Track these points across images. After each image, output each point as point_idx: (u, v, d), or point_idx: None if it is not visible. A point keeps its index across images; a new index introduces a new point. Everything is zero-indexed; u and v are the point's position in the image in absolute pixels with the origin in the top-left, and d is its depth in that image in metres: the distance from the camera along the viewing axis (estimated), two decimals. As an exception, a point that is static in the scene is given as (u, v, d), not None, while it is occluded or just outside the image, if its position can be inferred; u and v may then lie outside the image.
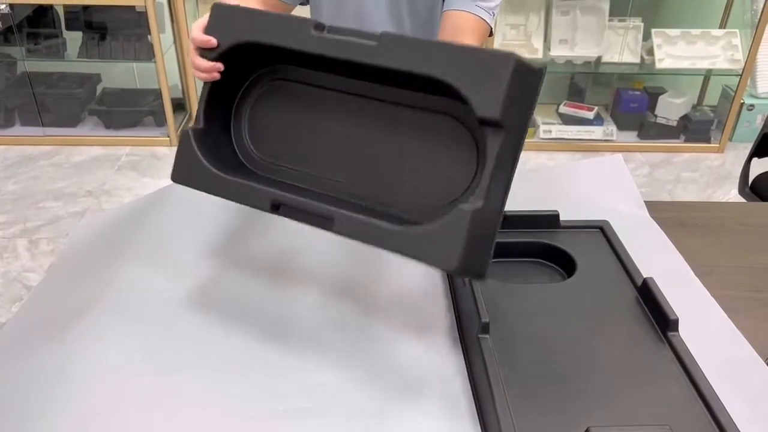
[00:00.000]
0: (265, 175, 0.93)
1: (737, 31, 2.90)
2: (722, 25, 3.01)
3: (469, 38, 1.15)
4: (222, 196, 0.88)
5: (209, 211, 1.13)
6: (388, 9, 1.20)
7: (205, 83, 0.91)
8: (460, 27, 1.15)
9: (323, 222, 0.79)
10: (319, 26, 0.81)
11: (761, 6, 2.74)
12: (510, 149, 0.77)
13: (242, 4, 1.11)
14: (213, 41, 0.86)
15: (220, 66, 0.87)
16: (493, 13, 1.16)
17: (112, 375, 0.81)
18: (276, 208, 0.82)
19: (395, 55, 0.78)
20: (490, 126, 0.74)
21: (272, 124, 0.95)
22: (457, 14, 1.14)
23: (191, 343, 0.86)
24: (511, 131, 0.75)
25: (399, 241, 0.74)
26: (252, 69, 0.93)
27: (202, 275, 0.99)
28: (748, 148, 1.94)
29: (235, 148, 0.96)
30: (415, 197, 0.85)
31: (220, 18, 0.88)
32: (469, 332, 0.85)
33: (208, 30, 0.88)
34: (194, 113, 2.91)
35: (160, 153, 2.95)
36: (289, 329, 0.89)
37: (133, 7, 2.79)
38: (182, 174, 0.91)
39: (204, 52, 0.88)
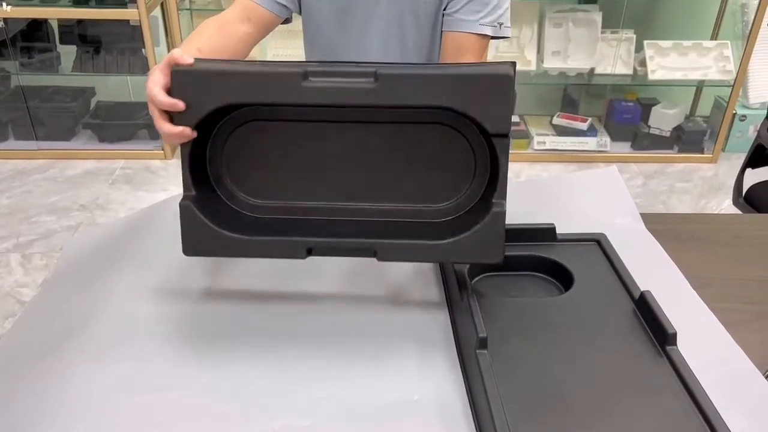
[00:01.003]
0: (277, 217, 0.90)
1: (728, 42, 2.93)
2: (713, 36, 3.03)
3: (470, 57, 1.15)
4: (251, 256, 0.88)
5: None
6: (390, 26, 1.19)
7: (182, 147, 0.85)
8: (460, 48, 1.15)
9: (365, 253, 0.84)
10: (307, 74, 0.78)
11: (752, 18, 2.76)
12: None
13: (217, 24, 1.08)
14: (180, 105, 0.81)
15: (191, 133, 0.82)
16: (498, 24, 1.16)
17: (107, 393, 0.80)
18: (309, 252, 0.84)
19: (395, 93, 0.77)
20: (500, 137, 0.79)
21: (259, 164, 0.89)
22: (459, 36, 1.15)
23: (187, 360, 0.86)
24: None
25: (444, 252, 0.84)
26: (221, 116, 0.86)
27: (197, 291, 0.98)
28: (740, 158, 1.95)
29: (228, 203, 0.90)
30: (421, 202, 0.90)
31: (184, 82, 0.81)
32: (466, 348, 0.84)
33: (175, 94, 0.81)
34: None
35: (155, 166, 2.94)
36: (286, 346, 0.88)
37: (127, 21, 2.80)
38: (195, 246, 0.86)
39: (173, 115, 0.82)
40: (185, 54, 0.82)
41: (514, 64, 0.79)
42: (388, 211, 0.90)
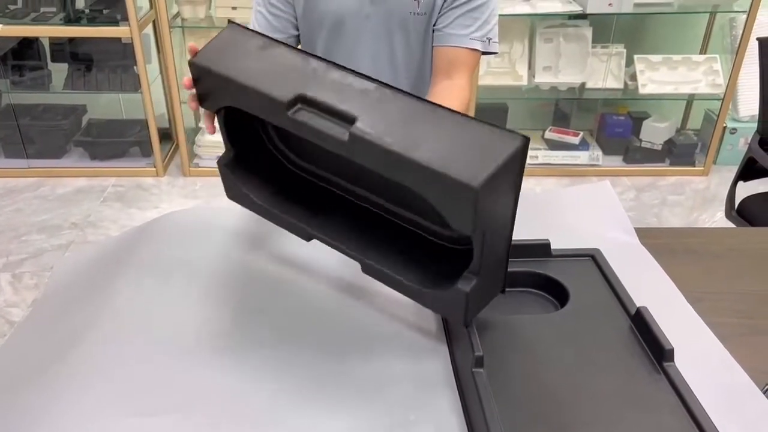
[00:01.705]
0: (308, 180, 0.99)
1: (717, 56, 2.95)
2: (703, 50, 3.06)
3: (462, 71, 1.16)
4: (267, 219, 0.96)
5: (197, 246, 1.11)
6: (380, 40, 1.19)
7: (217, 115, 0.93)
8: (452, 62, 1.16)
9: (355, 258, 0.89)
10: (290, 104, 0.78)
11: (740, 32, 2.79)
12: (497, 232, 0.78)
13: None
14: (193, 104, 0.92)
15: (212, 115, 0.92)
16: (487, 39, 1.17)
17: (97, 415, 0.79)
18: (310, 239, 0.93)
19: (365, 157, 0.74)
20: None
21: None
22: (450, 50, 1.16)
23: (178, 383, 0.84)
24: (492, 225, 0.75)
25: (416, 296, 0.86)
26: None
27: (189, 312, 0.97)
28: (732, 170, 1.96)
29: (276, 153, 1.00)
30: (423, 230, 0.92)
31: (197, 74, 0.89)
32: (463, 366, 0.83)
33: (195, 83, 0.90)
34: (181, 142, 2.91)
35: (146, 184, 2.93)
36: (281, 370, 0.87)
37: (119, 39, 2.80)
38: (233, 194, 0.98)
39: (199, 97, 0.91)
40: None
41: (492, 176, 0.68)
42: (395, 223, 0.94)
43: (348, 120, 0.74)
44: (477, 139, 0.71)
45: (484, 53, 1.19)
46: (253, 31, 0.88)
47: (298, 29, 1.23)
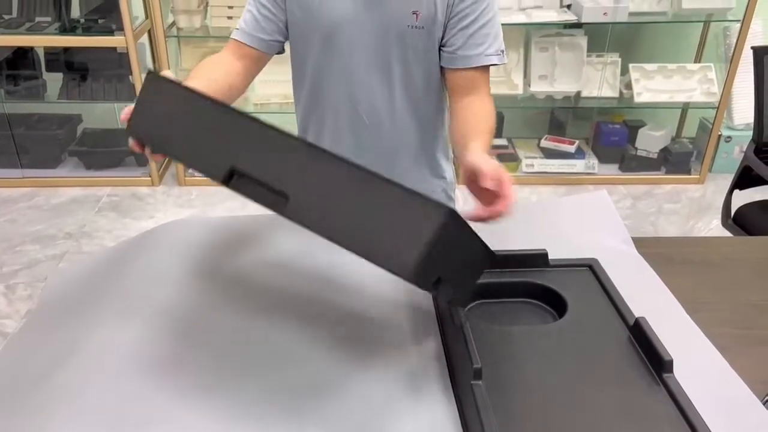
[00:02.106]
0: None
1: (712, 65, 2.97)
2: (697, 59, 3.07)
3: (481, 85, 1.17)
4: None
5: (192, 257, 1.10)
6: (375, 53, 1.19)
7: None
8: (471, 81, 1.16)
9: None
10: (227, 177, 0.77)
11: (734, 41, 2.80)
12: (460, 271, 0.79)
13: (218, 61, 1.15)
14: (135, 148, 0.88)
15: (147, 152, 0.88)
16: (501, 51, 1.17)
17: (88, 430, 0.78)
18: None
19: (305, 217, 0.73)
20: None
21: None
22: (468, 72, 1.16)
23: (169, 398, 0.83)
24: (450, 274, 0.76)
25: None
26: None
27: (183, 327, 0.96)
28: (727, 178, 1.97)
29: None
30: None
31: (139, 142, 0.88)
32: (461, 379, 0.83)
33: (130, 123, 0.87)
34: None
35: (142, 193, 2.92)
36: (275, 385, 0.85)
37: (114, 48, 2.79)
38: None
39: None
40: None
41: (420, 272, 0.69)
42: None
43: (282, 195, 0.75)
44: (404, 216, 0.70)
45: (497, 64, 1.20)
46: (172, 82, 0.86)
47: (285, 38, 1.21)
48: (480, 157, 0.95)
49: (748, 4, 2.69)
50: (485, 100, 1.17)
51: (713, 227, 2.69)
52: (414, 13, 1.13)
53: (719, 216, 1.98)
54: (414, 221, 0.69)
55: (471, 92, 1.16)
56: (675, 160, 3.06)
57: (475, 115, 1.14)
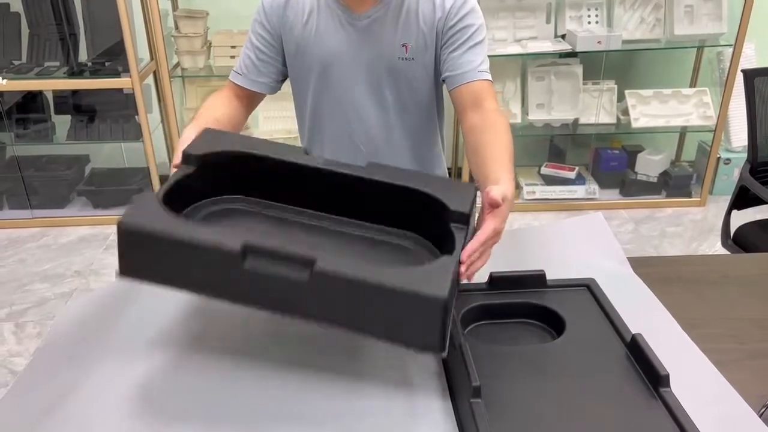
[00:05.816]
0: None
1: (707, 89, 3.01)
2: (692, 84, 3.12)
3: (488, 98, 1.18)
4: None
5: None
6: (369, 85, 1.23)
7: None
8: (475, 94, 1.18)
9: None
10: (241, 257, 0.80)
11: (728, 65, 2.85)
12: None
13: (222, 100, 1.25)
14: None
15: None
16: (488, 71, 1.20)
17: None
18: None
19: (324, 293, 0.80)
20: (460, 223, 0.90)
21: None
22: (469, 86, 1.18)
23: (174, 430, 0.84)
24: None
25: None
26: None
27: (190, 364, 0.96)
28: (728, 200, 1.99)
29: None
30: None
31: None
32: (460, 397, 0.84)
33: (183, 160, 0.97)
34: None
35: (149, 230, 2.95)
36: (275, 408, 0.87)
37: (120, 90, 2.86)
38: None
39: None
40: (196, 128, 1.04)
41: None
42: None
43: (306, 263, 0.79)
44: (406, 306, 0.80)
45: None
46: None
47: (284, 76, 1.27)
48: (496, 186, 0.97)
49: (739, 29, 2.74)
50: (497, 112, 1.17)
51: (716, 249, 2.70)
52: (403, 45, 1.18)
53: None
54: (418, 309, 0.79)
55: (479, 105, 1.17)
56: (675, 184, 3.09)
57: (488, 144, 1.13)
